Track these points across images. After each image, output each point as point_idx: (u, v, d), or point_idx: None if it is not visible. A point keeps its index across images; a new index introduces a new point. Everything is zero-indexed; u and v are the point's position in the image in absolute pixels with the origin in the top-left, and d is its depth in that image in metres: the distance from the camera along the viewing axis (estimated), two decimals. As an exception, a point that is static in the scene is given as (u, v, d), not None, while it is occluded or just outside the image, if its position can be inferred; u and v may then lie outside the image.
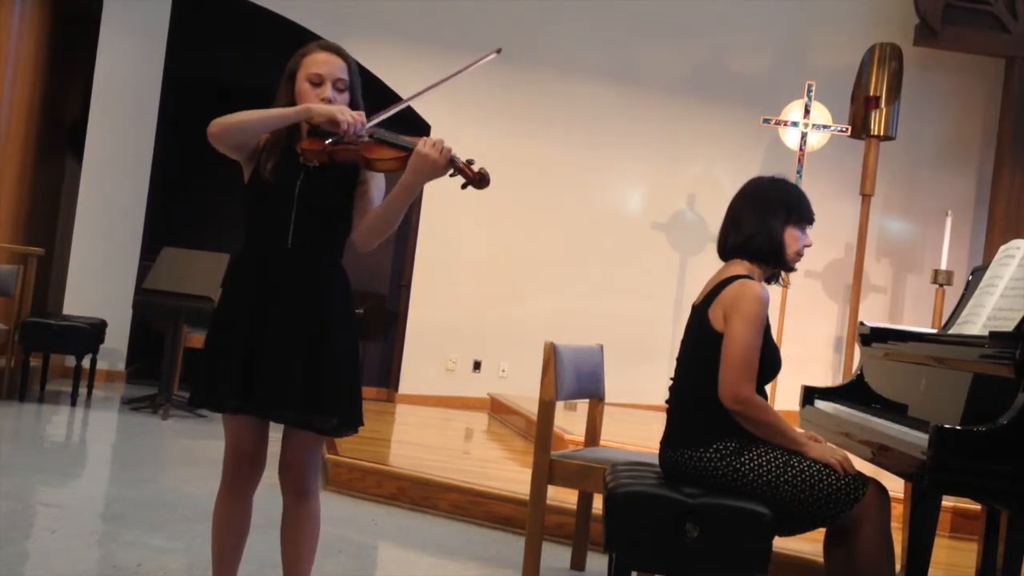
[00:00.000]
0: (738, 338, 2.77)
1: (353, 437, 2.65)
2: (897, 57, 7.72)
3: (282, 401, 2.47)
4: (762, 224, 2.91)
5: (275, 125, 2.49)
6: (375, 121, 2.51)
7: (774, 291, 3.12)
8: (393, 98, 7.44)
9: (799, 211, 2.94)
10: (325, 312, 2.51)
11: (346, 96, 2.56)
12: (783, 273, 3.05)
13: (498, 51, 2.52)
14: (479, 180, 2.46)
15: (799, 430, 2.91)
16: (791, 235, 2.93)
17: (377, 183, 2.59)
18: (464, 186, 2.48)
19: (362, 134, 2.44)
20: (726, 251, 2.98)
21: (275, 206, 2.52)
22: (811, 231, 2.99)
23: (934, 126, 8.51)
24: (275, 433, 2.60)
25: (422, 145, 2.43)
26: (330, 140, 2.42)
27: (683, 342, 3.00)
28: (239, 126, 2.46)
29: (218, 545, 2.63)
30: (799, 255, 2.96)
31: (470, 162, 2.47)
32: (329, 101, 2.52)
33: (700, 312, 2.91)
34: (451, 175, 2.47)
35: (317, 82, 2.53)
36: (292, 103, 2.54)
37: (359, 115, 2.45)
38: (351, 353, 2.58)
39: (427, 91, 2.59)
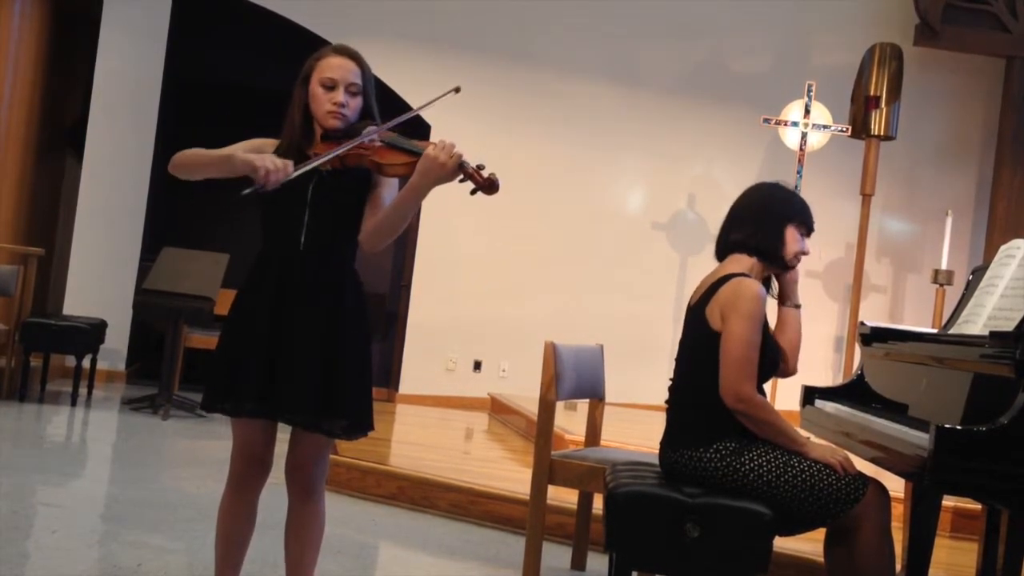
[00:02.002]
0: (737, 337, 2.77)
1: (353, 437, 2.64)
2: (897, 57, 7.72)
3: (297, 404, 2.47)
4: (763, 222, 2.92)
5: (208, 172, 2.55)
6: (386, 127, 2.51)
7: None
8: (393, 98, 7.46)
9: (800, 215, 2.96)
10: (337, 314, 2.52)
11: (359, 100, 2.56)
12: (773, 282, 3.04)
13: (456, 90, 2.52)
14: (489, 186, 2.45)
15: (800, 431, 2.91)
16: (791, 234, 2.93)
17: (389, 188, 2.58)
18: (474, 192, 2.48)
19: (280, 182, 2.40)
20: (726, 247, 2.98)
21: (288, 210, 2.53)
22: (810, 237, 3.00)
23: (934, 126, 8.51)
24: (281, 434, 2.60)
25: (432, 148, 2.42)
26: (247, 191, 2.40)
27: (681, 342, 3.00)
28: (187, 167, 2.57)
29: (222, 545, 2.63)
30: (797, 257, 2.96)
31: (480, 167, 2.46)
32: (341, 105, 2.52)
33: (697, 312, 2.91)
34: (460, 180, 2.47)
35: (330, 86, 2.53)
36: (306, 107, 2.56)
37: (284, 164, 2.41)
38: (363, 356, 2.58)
39: (395, 122, 2.56)
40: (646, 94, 8.31)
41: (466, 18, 8.12)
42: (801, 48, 8.45)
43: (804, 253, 2.98)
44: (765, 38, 8.43)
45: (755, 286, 2.83)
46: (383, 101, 2.67)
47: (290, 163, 2.43)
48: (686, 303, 3.07)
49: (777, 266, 2.98)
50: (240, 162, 2.45)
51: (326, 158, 2.45)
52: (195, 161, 2.56)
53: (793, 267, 3.01)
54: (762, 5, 8.38)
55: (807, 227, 2.97)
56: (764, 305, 2.82)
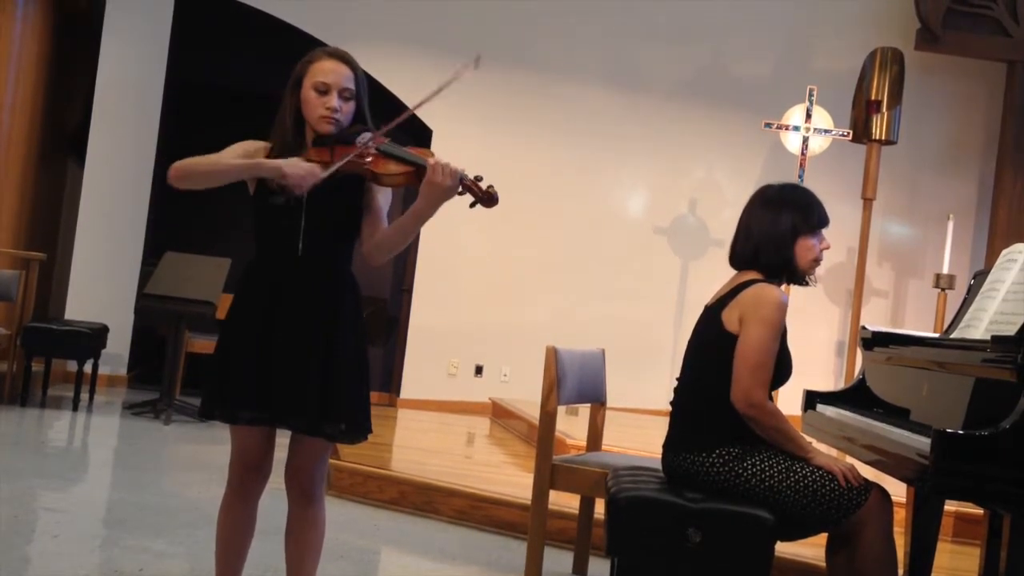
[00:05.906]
0: (755, 342, 2.75)
1: (354, 442, 2.64)
2: (898, 61, 7.72)
3: (296, 409, 2.47)
4: (771, 236, 2.86)
5: (227, 179, 2.48)
6: (381, 132, 2.51)
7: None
8: (394, 102, 7.47)
9: (809, 218, 2.88)
10: (335, 319, 2.52)
11: (352, 105, 2.55)
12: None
13: (476, 60, 2.52)
14: (488, 199, 2.47)
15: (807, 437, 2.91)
16: (803, 245, 2.87)
17: (384, 194, 2.59)
18: (473, 204, 2.49)
19: (311, 187, 2.41)
20: (736, 261, 2.96)
21: (285, 216, 2.51)
22: (826, 232, 2.93)
23: (935, 130, 8.51)
24: (280, 439, 2.60)
25: (431, 172, 2.41)
26: (281, 200, 2.44)
27: (691, 343, 2.97)
28: (193, 175, 2.47)
29: (222, 550, 2.64)
30: (815, 262, 2.90)
31: (478, 179, 2.47)
32: (334, 110, 2.51)
33: (713, 313, 2.88)
34: (459, 193, 2.48)
35: (323, 90, 2.52)
36: (298, 111, 2.55)
37: (311, 167, 2.41)
38: (360, 360, 2.58)
39: (389, 127, 2.54)
40: (647, 98, 8.31)
41: (467, 22, 8.12)
42: (802, 52, 8.45)
43: (824, 249, 2.90)
44: (766, 42, 8.43)
45: (778, 294, 2.81)
46: (384, 105, 2.66)
47: (317, 167, 2.43)
48: (688, 307, 3.07)
49: (795, 281, 2.94)
50: (268, 168, 2.43)
51: (344, 161, 2.44)
52: (206, 170, 2.47)
53: (807, 280, 2.93)
54: (763, 9, 8.39)
55: (819, 226, 2.89)
56: (785, 313, 2.81)
